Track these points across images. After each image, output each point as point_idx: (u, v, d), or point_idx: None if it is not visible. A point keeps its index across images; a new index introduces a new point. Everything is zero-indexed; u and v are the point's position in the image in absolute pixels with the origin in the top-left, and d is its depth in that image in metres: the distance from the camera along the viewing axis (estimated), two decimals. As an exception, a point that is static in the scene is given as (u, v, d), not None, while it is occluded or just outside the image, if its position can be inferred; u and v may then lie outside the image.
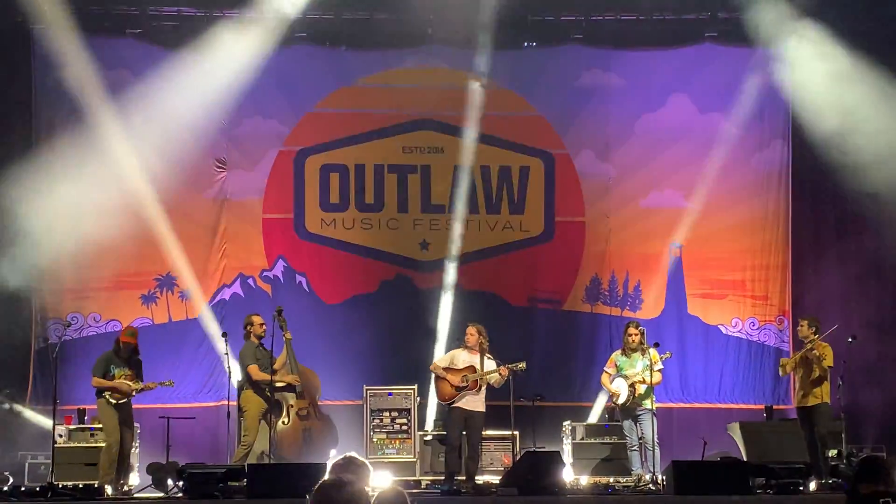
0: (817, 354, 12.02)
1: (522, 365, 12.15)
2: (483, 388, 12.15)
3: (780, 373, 12.99)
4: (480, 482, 11.92)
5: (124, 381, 11.83)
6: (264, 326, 12.17)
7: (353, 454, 5.65)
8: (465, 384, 12.05)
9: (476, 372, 12.06)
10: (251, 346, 12.13)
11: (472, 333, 12.23)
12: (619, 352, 12.73)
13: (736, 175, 15.04)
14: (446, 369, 12.16)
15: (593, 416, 14.08)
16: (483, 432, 12.41)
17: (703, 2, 14.84)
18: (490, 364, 12.14)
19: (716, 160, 14.98)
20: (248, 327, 12.23)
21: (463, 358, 12.20)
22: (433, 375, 12.46)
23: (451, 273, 14.59)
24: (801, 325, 12.42)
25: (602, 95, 15.09)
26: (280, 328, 12.21)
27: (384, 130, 14.94)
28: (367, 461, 5.64)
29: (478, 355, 12.15)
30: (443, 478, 12.14)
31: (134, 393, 11.89)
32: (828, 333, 12.32)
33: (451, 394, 12.10)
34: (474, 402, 12.10)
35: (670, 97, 15.06)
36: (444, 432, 12.50)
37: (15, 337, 14.05)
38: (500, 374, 12.06)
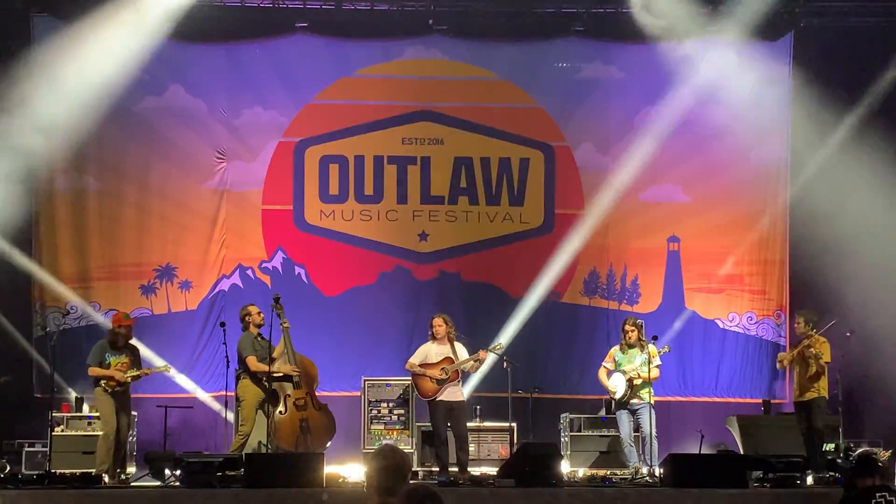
0: (814, 352, 12.00)
1: (500, 346, 12.16)
2: (460, 377, 12.10)
3: (778, 367, 13.01)
4: (477, 473, 11.90)
5: (118, 370, 11.83)
6: (262, 315, 12.13)
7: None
8: (445, 376, 11.91)
9: (454, 363, 11.99)
10: (249, 336, 12.09)
11: (439, 325, 12.05)
12: (617, 347, 12.64)
13: (735, 169, 15.03)
14: (422, 365, 12.05)
15: (595, 410, 14.03)
16: (469, 422, 12.35)
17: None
18: (463, 351, 12.05)
19: (715, 154, 14.99)
20: (247, 318, 12.16)
21: (435, 351, 12.03)
22: (411, 374, 12.26)
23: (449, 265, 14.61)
24: (798, 321, 12.39)
25: (602, 88, 15.09)
26: (277, 316, 12.15)
27: (384, 121, 14.93)
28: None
29: (448, 345, 12.04)
30: (438, 469, 12.11)
31: (129, 380, 11.87)
32: (826, 329, 12.32)
33: (434, 389, 11.92)
34: (454, 393, 11.96)
35: (670, 91, 15.03)
36: (430, 427, 12.39)
37: (15, 325, 14.04)
38: (478, 358, 12.00)
